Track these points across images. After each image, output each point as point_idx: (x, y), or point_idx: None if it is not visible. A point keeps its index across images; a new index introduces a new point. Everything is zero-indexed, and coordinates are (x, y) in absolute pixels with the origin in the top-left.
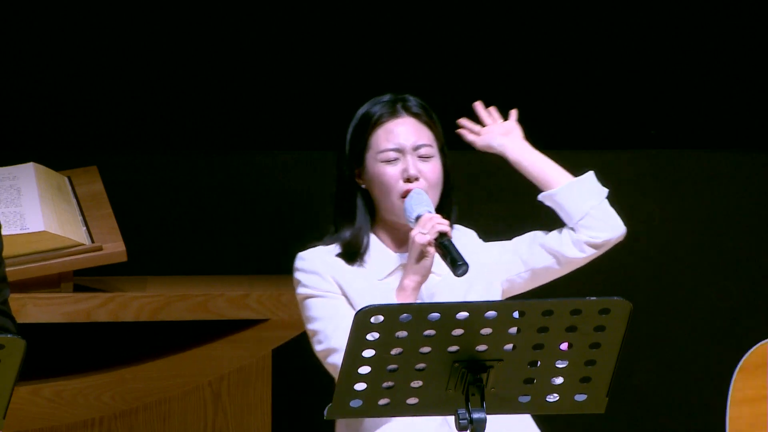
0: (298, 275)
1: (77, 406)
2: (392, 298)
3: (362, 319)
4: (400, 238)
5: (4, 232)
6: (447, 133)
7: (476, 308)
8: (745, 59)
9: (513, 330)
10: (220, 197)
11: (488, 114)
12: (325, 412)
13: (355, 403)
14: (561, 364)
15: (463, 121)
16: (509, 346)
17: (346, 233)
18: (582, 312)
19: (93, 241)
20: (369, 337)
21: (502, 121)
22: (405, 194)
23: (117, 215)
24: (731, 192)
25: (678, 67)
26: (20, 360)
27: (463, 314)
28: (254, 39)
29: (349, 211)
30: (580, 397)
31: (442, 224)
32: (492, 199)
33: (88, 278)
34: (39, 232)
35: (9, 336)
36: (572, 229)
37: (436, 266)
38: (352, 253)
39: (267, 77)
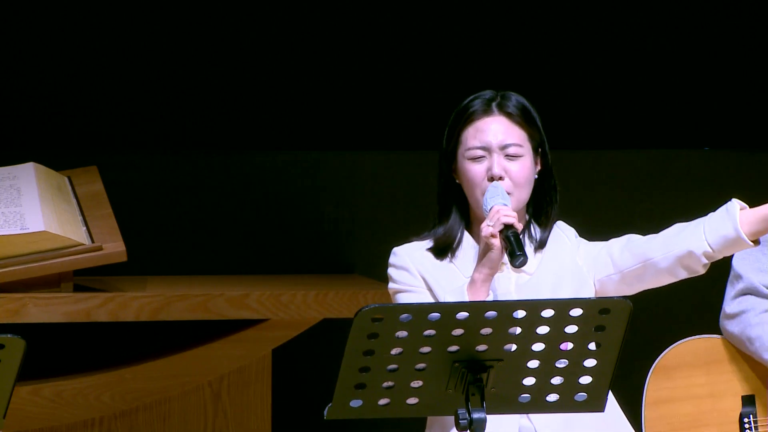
0: (389, 270)
1: (77, 406)
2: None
3: (362, 319)
4: None
5: (4, 232)
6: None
7: (476, 308)
8: (745, 59)
9: (513, 330)
10: (220, 197)
11: None
12: (325, 412)
13: (355, 403)
14: (561, 364)
15: None
16: (509, 346)
17: (441, 229)
18: (582, 312)
19: (93, 241)
20: (369, 337)
21: None
22: None
23: (117, 215)
24: (731, 192)
25: (678, 67)
26: (20, 360)
27: (463, 314)
28: (254, 39)
29: (445, 206)
30: (580, 397)
31: (508, 216)
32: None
33: (88, 278)
34: (39, 232)
35: (9, 336)
36: (699, 247)
37: (527, 264)
38: (443, 249)
39: (267, 77)
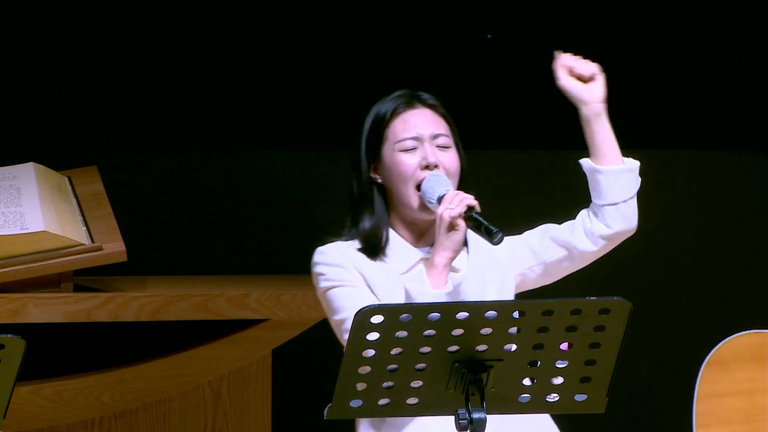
0: (319, 269)
1: (77, 406)
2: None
3: (362, 319)
4: (418, 233)
5: (4, 232)
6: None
7: (476, 308)
8: (745, 59)
9: (513, 330)
10: (220, 197)
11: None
12: (325, 412)
13: (355, 403)
14: (561, 364)
15: (561, 54)
16: (509, 346)
17: (365, 227)
18: (582, 312)
19: (93, 241)
20: (369, 337)
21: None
22: (421, 183)
23: (117, 215)
24: (731, 192)
25: (678, 67)
26: (20, 360)
27: (463, 314)
28: (254, 39)
29: (366, 206)
30: (580, 397)
31: (468, 198)
32: (501, 197)
33: (88, 278)
34: (39, 232)
35: (9, 336)
36: (594, 210)
37: (457, 262)
38: (373, 247)
39: (266, 77)
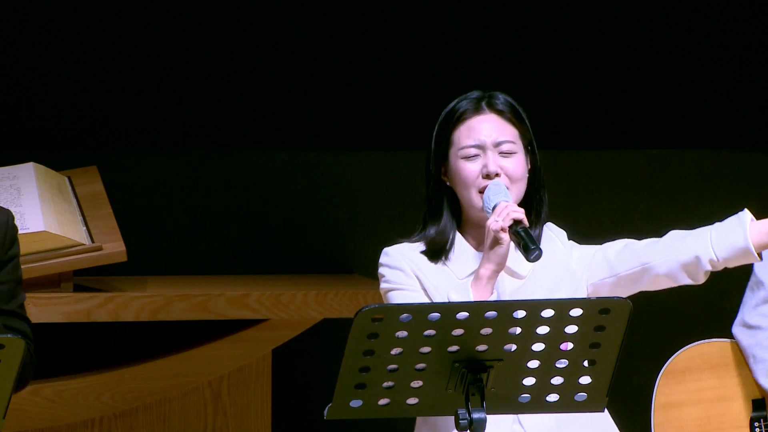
0: (381, 270)
1: (77, 406)
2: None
3: (362, 319)
4: (483, 237)
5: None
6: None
7: (476, 308)
8: (745, 59)
9: (513, 330)
10: (220, 197)
11: None
12: (325, 412)
13: (355, 403)
14: (561, 364)
15: None
16: (509, 346)
17: (431, 231)
18: (582, 312)
19: (93, 241)
20: (369, 337)
21: None
22: (484, 190)
23: (117, 215)
24: (731, 192)
25: (678, 67)
26: (20, 360)
27: (463, 314)
28: (254, 39)
29: (435, 209)
30: (580, 397)
31: (516, 212)
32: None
33: (88, 278)
34: (39, 232)
35: (9, 336)
36: (696, 243)
37: (520, 267)
38: (436, 251)
39: (266, 77)
